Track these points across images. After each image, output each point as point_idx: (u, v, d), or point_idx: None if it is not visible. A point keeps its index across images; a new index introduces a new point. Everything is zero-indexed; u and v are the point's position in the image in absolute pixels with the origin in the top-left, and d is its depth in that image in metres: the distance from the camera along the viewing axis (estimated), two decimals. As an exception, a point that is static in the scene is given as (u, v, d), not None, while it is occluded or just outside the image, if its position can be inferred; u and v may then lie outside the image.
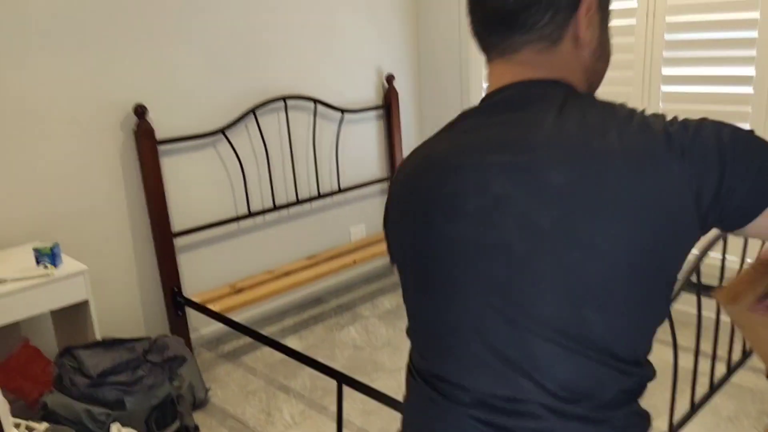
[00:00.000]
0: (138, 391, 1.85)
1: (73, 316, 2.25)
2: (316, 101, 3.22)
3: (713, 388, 1.93)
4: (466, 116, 0.82)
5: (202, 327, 2.99)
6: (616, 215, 0.68)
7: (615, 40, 2.83)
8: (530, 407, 0.73)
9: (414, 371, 0.86)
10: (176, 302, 2.78)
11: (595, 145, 0.70)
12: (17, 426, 1.64)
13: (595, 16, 0.79)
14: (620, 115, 0.74)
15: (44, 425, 1.64)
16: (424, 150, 0.83)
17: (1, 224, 2.34)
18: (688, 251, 0.72)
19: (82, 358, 1.88)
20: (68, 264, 2.15)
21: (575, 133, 0.72)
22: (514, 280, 0.72)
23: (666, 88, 2.77)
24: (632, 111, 0.75)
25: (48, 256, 2.08)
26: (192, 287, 2.91)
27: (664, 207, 0.68)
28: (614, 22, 2.86)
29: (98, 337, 2.16)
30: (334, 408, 2.42)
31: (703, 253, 1.74)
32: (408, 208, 0.81)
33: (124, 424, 1.83)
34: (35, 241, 2.42)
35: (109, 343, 1.98)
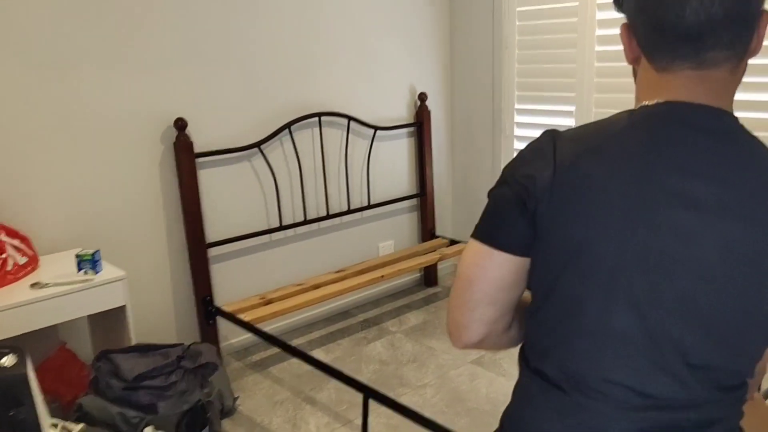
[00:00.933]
0: (171, 396, 1.90)
1: (109, 320, 2.32)
2: (350, 118, 3.28)
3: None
4: (657, 123, 0.80)
5: (231, 336, 3.04)
6: None
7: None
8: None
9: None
10: (207, 311, 2.84)
11: None
12: (54, 426, 1.70)
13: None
14: None
15: (80, 426, 1.69)
16: (611, 147, 0.79)
17: (46, 230, 2.43)
18: None
19: (119, 361, 1.94)
20: (108, 270, 2.22)
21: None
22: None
23: None
24: None
25: (89, 262, 2.16)
26: (223, 297, 2.98)
27: None
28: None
29: (133, 341, 2.23)
30: (359, 421, 2.44)
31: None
32: (599, 203, 0.77)
33: (156, 428, 1.87)
34: (78, 246, 2.51)
35: (144, 348, 2.04)
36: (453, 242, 3.64)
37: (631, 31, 0.85)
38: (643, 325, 0.77)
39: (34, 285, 2.08)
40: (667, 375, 0.78)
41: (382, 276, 3.13)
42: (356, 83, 3.34)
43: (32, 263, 2.23)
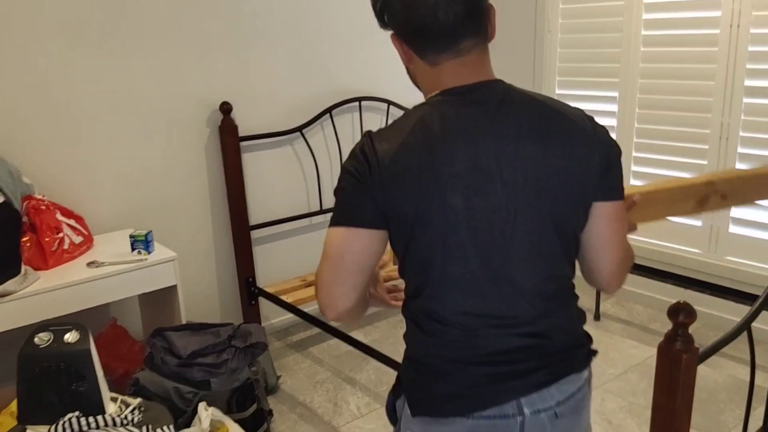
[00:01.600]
0: (223, 373, 1.96)
1: (159, 299, 2.39)
2: (389, 102, 3.29)
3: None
4: (444, 106, 1.00)
5: (272, 316, 3.11)
6: None
7: (698, 49, 2.80)
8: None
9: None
10: (250, 292, 2.91)
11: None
12: (114, 400, 1.77)
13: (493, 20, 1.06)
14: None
15: (138, 400, 1.76)
16: (414, 140, 0.98)
17: (101, 211, 2.51)
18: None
19: (173, 339, 2.00)
20: (159, 250, 2.29)
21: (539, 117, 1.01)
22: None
23: (748, 100, 2.71)
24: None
25: (142, 242, 2.22)
26: (265, 278, 3.04)
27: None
28: (697, 31, 2.82)
29: (183, 320, 2.29)
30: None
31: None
32: (421, 187, 0.97)
33: (208, 404, 1.94)
34: (129, 227, 2.58)
35: (197, 327, 2.10)
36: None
37: (400, 38, 1.05)
38: (474, 267, 0.99)
39: (90, 264, 2.15)
40: (501, 299, 1.01)
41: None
42: (395, 67, 3.33)
43: (87, 242, 2.31)
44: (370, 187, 0.97)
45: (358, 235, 0.99)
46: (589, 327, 3.06)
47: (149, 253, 2.24)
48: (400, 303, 1.14)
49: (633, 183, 3.19)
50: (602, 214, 1.03)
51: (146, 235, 2.23)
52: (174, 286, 2.26)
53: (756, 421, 2.10)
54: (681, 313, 1.34)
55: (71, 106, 2.40)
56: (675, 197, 1.42)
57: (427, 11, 0.96)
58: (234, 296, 2.97)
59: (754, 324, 2.85)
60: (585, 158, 1.00)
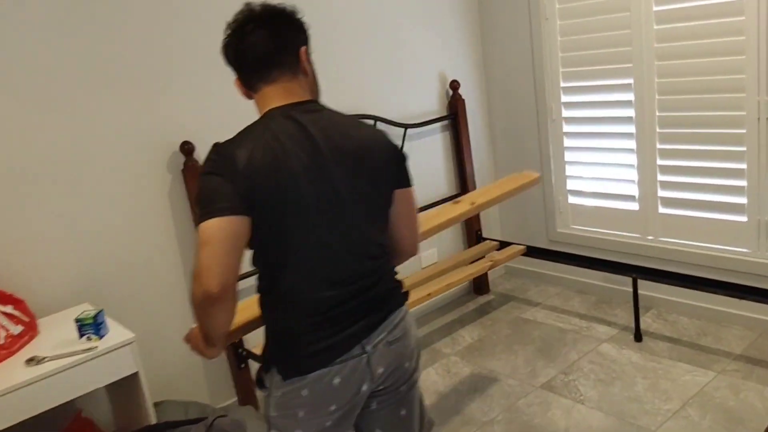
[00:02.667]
0: (196, 488, 1.59)
1: (125, 383, 2.01)
2: (376, 118, 2.91)
3: None
4: (274, 121, 1.29)
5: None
6: None
7: (722, 20, 2.36)
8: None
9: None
10: (238, 355, 2.53)
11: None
12: None
13: (309, 59, 1.37)
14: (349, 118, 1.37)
15: None
16: (263, 144, 1.24)
17: (47, 289, 2.13)
18: None
19: (132, 449, 1.63)
20: (115, 332, 1.91)
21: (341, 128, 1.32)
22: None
23: (792, 72, 2.31)
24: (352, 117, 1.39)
25: (91, 326, 1.85)
26: (253, 338, 2.65)
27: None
28: (719, 0, 2.42)
29: (150, 408, 1.92)
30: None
31: None
32: (277, 179, 1.23)
33: None
34: (83, 301, 2.20)
35: (161, 428, 1.72)
36: (503, 244, 3.25)
37: (237, 78, 1.37)
38: (325, 240, 1.27)
39: (29, 360, 1.78)
40: (343, 264, 1.30)
41: (429, 294, 2.76)
42: (381, 79, 2.96)
43: (29, 331, 1.93)
44: (235, 182, 1.19)
45: (230, 222, 1.18)
46: (632, 350, 2.66)
47: (101, 337, 1.86)
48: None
49: (661, 179, 2.79)
50: (400, 197, 1.38)
51: (95, 317, 1.85)
52: (135, 374, 1.88)
53: None
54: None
55: (3, 168, 2.03)
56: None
57: (246, 48, 1.30)
58: (221, 364, 2.59)
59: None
60: (381, 158, 1.33)
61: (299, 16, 1.35)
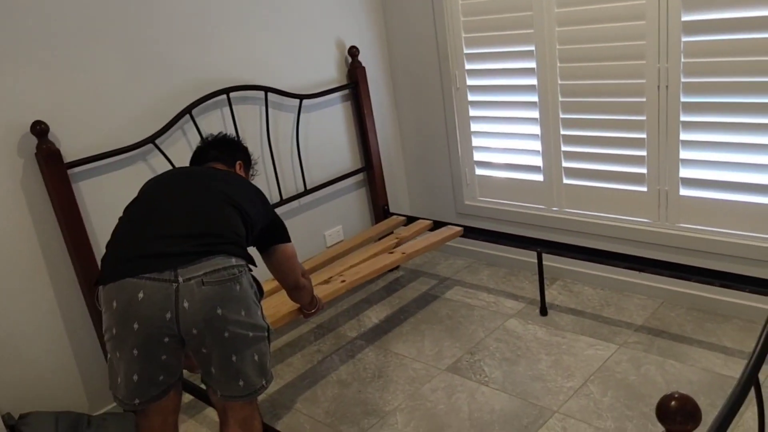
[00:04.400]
0: None
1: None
2: (266, 89, 2.68)
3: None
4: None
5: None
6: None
7: None
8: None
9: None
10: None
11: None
12: None
13: (243, 169, 2.02)
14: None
15: None
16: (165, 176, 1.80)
17: None
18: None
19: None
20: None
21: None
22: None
23: (687, 39, 2.25)
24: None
25: None
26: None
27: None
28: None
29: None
30: (317, 477, 1.97)
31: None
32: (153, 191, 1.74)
33: None
34: None
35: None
36: (411, 219, 3.12)
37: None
38: (163, 229, 1.60)
39: None
40: (180, 239, 1.58)
41: (331, 277, 2.60)
42: (268, 45, 2.72)
43: None
44: None
45: None
46: (537, 325, 2.61)
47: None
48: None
49: (565, 149, 2.72)
50: None
51: None
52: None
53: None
54: (678, 416, 0.84)
55: None
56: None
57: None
58: (98, 364, 2.35)
59: (709, 294, 2.45)
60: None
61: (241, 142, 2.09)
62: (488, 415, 2.14)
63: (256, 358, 1.64)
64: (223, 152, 1.98)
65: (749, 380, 1.07)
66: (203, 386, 1.73)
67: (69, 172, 2.16)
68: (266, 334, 1.68)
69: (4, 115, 2.04)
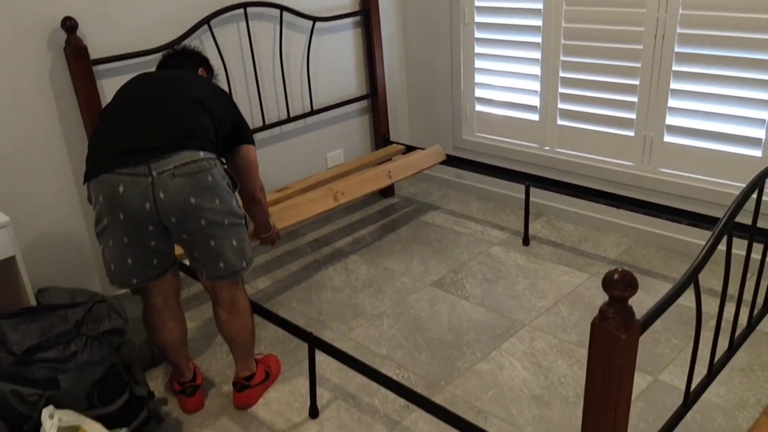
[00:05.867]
0: (72, 369, 1.59)
1: (4, 268, 1.95)
2: (282, 8, 2.78)
3: (734, 345, 1.69)
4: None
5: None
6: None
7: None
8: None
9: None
10: (130, 245, 2.49)
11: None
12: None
13: (205, 75, 2.04)
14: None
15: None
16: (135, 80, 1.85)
17: None
18: None
19: (6, 331, 1.59)
20: (-12, 215, 1.82)
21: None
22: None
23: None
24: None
25: (-41, 208, 1.75)
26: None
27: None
28: None
29: (30, 293, 1.88)
30: (308, 363, 2.19)
31: (744, 194, 1.45)
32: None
33: (60, 405, 1.58)
34: (-47, 183, 2.08)
35: (39, 311, 1.69)
36: (410, 148, 3.28)
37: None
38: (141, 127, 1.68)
39: None
40: (151, 134, 1.67)
41: (335, 197, 2.77)
42: (288, -35, 2.80)
43: None
44: None
45: None
46: (518, 253, 2.81)
47: (-28, 220, 1.77)
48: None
49: (561, 91, 2.86)
50: None
51: (-37, 199, 1.75)
52: (12, 258, 1.82)
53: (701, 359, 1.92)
54: (619, 286, 1.03)
55: None
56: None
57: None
58: (113, 251, 2.54)
59: (678, 235, 2.65)
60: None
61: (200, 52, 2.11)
62: (465, 323, 2.37)
63: (234, 243, 1.76)
64: (185, 60, 2.02)
65: (690, 278, 1.26)
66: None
67: (94, 68, 2.29)
68: (243, 221, 1.80)
69: (37, 8, 2.15)
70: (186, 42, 2.53)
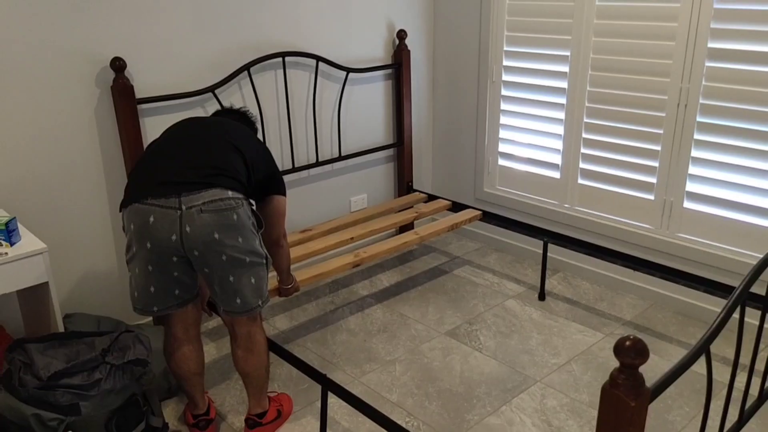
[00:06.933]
0: (95, 396, 1.64)
1: (36, 293, 2.03)
2: (318, 58, 2.91)
3: (744, 415, 1.70)
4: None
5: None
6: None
7: (659, 4, 2.47)
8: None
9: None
10: (156, 276, 2.57)
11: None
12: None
13: None
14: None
15: (-16, 433, 1.44)
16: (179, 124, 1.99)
17: (-43, 189, 2.10)
18: None
19: (33, 355, 1.66)
20: (27, 241, 1.91)
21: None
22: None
23: (710, 64, 2.45)
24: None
25: (2, 233, 1.84)
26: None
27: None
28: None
29: (59, 319, 1.95)
30: (319, 405, 2.22)
31: (761, 265, 1.48)
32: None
33: (79, 431, 1.63)
34: (1, 210, 2.18)
35: (66, 336, 1.76)
36: (431, 197, 3.35)
37: None
38: (179, 164, 1.80)
39: (-65, 260, 1.77)
40: (185, 170, 1.78)
41: (352, 238, 2.85)
42: (326, 19, 2.94)
43: (-63, 231, 1.91)
44: None
45: None
46: (534, 308, 2.84)
47: (12, 244, 1.86)
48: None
49: (584, 152, 2.93)
50: None
51: (7, 224, 1.85)
52: (45, 284, 1.90)
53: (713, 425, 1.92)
54: (630, 353, 1.07)
55: None
56: None
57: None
58: (138, 281, 2.62)
59: (695, 301, 2.65)
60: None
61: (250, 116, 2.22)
62: (477, 375, 2.38)
63: (252, 281, 1.84)
64: (235, 116, 2.16)
65: (701, 348, 1.29)
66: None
67: (138, 107, 2.41)
68: (264, 261, 1.88)
69: (89, 47, 2.29)
70: (225, 86, 2.66)
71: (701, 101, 2.50)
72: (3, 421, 1.61)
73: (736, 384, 2.20)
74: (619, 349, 1.08)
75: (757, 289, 2.38)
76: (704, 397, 2.21)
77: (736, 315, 2.48)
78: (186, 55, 2.53)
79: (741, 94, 2.39)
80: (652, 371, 2.37)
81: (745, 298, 1.46)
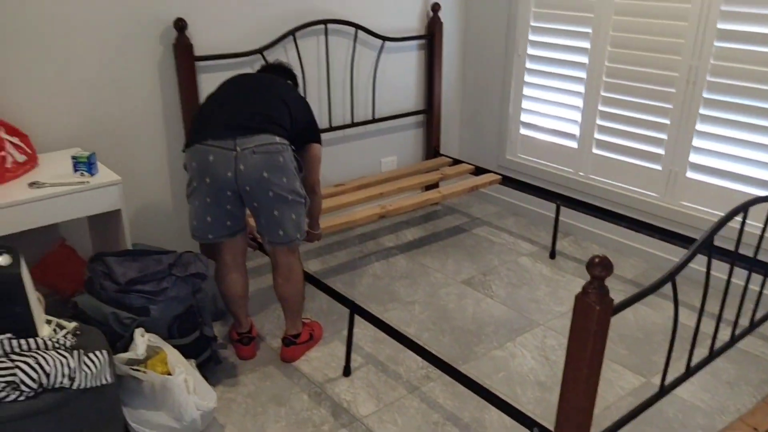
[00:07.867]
0: (162, 301, 1.97)
1: (107, 221, 2.37)
2: (357, 27, 3.17)
3: (713, 353, 1.95)
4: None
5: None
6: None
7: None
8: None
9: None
10: (206, 217, 2.89)
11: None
12: (48, 322, 1.78)
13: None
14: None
15: (73, 324, 1.77)
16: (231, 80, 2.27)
17: (41, 129, 2.44)
18: None
19: (112, 265, 1.99)
20: (104, 173, 2.24)
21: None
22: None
23: (719, 44, 2.64)
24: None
25: (85, 165, 2.17)
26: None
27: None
28: (675, -32, 2.69)
29: (129, 243, 2.28)
30: (346, 332, 2.54)
31: (726, 217, 1.72)
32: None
33: (147, 330, 1.96)
34: (74, 147, 2.52)
35: (138, 253, 2.09)
36: (456, 161, 3.61)
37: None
38: (236, 111, 2.08)
39: (32, 184, 2.11)
40: (240, 115, 2.07)
41: (381, 193, 3.13)
42: (366, -10, 3.20)
43: (31, 161, 2.26)
44: None
45: None
46: (544, 265, 3.10)
47: (92, 175, 2.19)
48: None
49: (599, 123, 3.15)
50: None
51: (89, 157, 2.18)
52: (118, 211, 2.23)
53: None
54: (598, 267, 1.34)
55: (10, 17, 2.28)
56: None
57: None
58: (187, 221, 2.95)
59: (693, 265, 2.89)
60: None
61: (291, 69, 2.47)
62: (488, 317, 2.67)
63: (293, 216, 2.12)
64: (279, 71, 2.42)
65: (668, 278, 1.55)
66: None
67: (196, 64, 2.72)
68: (303, 200, 2.15)
69: (155, 8, 2.59)
70: (272, 48, 2.94)
71: (708, 78, 2.70)
72: (86, 318, 1.95)
73: (709, 330, 2.44)
74: (590, 264, 1.35)
75: (736, 247, 2.60)
76: (689, 343, 2.46)
77: (721, 275, 2.71)
78: (239, 19, 2.82)
79: (745, 72, 2.59)
80: (643, 321, 2.62)
81: (711, 245, 1.70)
